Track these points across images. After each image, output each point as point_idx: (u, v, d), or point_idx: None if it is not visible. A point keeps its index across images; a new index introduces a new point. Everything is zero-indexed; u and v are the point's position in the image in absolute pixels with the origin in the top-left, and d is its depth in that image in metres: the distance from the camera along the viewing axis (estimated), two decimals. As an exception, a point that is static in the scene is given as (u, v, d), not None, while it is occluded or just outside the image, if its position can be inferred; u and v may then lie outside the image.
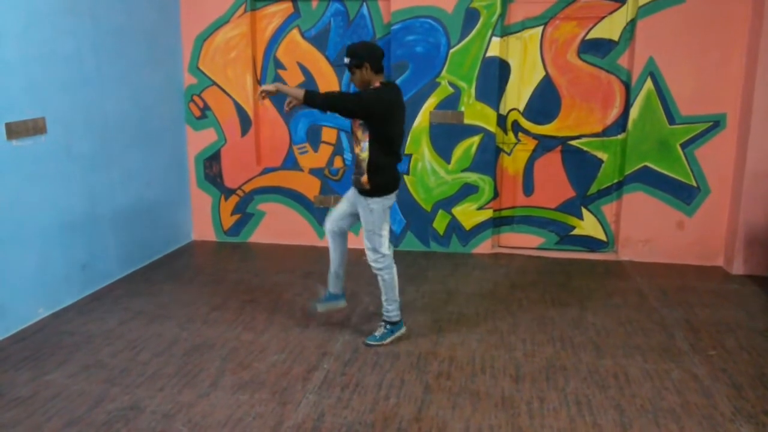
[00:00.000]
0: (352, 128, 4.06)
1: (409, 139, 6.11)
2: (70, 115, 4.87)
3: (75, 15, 4.89)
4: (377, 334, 4.25)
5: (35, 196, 4.56)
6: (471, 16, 5.87)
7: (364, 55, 3.89)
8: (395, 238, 6.33)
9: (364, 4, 6.17)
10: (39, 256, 4.62)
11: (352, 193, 4.17)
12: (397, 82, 5.84)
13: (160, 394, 3.58)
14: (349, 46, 3.95)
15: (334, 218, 4.26)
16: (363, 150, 3.96)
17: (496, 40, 5.87)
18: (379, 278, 4.18)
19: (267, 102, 6.49)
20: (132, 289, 5.25)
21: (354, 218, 4.22)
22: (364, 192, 4.01)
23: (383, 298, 4.21)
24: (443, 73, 5.99)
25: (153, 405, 3.46)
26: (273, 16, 6.36)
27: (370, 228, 4.07)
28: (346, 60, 3.92)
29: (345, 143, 6.44)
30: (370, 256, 4.11)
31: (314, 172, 6.46)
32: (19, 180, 4.40)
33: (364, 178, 3.97)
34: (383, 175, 3.98)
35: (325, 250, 6.32)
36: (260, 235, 6.68)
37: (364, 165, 3.96)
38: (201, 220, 6.76)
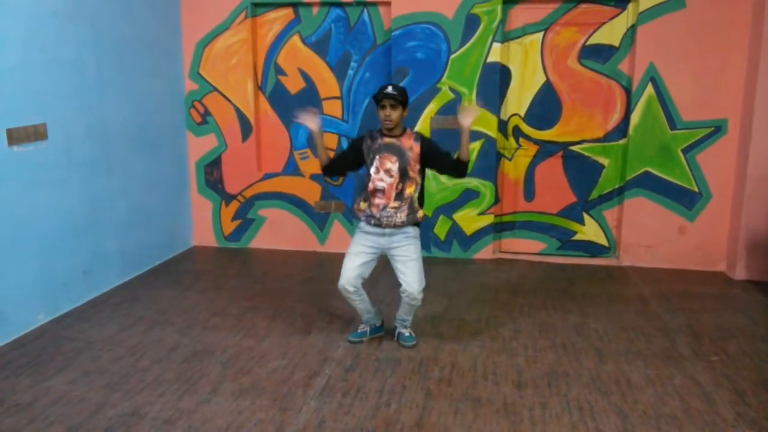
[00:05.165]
0: (405, 173, 3.97)
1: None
2: (71, 121, 4.88)
3: (76, 21, 4.90)
4: (408, 333, 4.33)
5: (36, 202, 4.55)
6: (472, 22, 5.88)
7: (407, 100, 3.99)
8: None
9: (365, 10, 6.18)
10: (39, 262, 4.61)
11: (373, 242, 4.06)
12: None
13: (160, 400, 3.56)
14: (399, 86, 3.97)
15: (353, 278, 4.05)
16: (417, 190, 4.05)
17: (496, 45, 5.87)
18: (413, 308, 4.17)
19: (268, 108, 6.50)
20: (132, 295, 5.24)
21: (371, 265, 4.14)
22: (416, 225, 4.10)
23: (410, 318, 4.30)
24: (444, 78, 6.00)
25: (153, 411, 3.44)
26: (274, 22, 6.37)
27: (419, 257, 4.08)
28: (396, 93, 3.87)
29: (345, 147, 6.42)
30: (417, 288, 4.02)
31: (315, 177, 6.46)
32: (19, 186, 4.40)
33: (421, 213, 4.09)
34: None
35: (326, 256, 6.36)
36: (261, 240, 6.68)
37: (417, 202, 4.07)
38: (202, 226, 6.75)
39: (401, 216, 4.00)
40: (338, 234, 6.46)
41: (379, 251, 4.11)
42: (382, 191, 3.98)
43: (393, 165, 3.96)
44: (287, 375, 3.87)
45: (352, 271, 4.06)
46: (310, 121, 4.15)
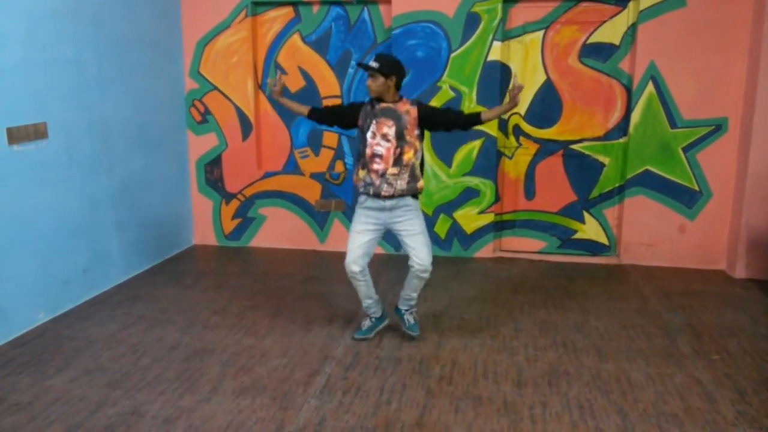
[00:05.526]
0: (402, 137, 3.97)
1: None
2: (71, 120, 4.88)
3: (77, 20, 4.90)
4: (414, 320, 4.35)
5: (36, 201, 4.55)
6: (472, 21, 5.87)
7: (396, 69, 3.98)
8: (398, 243, 6.32)
9: (365, 8, 6.18)
10: (40, 261, 4.61)
11: (375, 218, 4.07)
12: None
13: (161, 398, 3.57)
14: (380, 54, 3.99)
15: (359, 257, 4.08)
16: (417, 157, 4.04)
17: (497, 44, 5.87)
18: (422, 281, 4.18)
19: (268, 107, 6.50)
20: (133, 294, 5.25)
21: (375, 242, 4.16)
22: (416, 195, 4.09)
23: (416, 294, 4.30)
24: (444, 77, 5.99)
25: (154, 410, 3.45)
26: (274, 20, 6.37)
27: (423, 229, 4.09)
28: (374, 64, 3.90)
29: (346, 147, 6.44)
30: (427, 260, 4.05)
31: (315, 176, 6.46)
32: (20, 185, 4.40)
33: (421, 182, 4.08)
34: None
35: (327, 254, 6.35)
36: (261, 239, 6.68)
37: (419, 169, 4.06)
38: (202, 225, 6.75)
39: (401, 183, 3.99)
40: (338, 233, 6.46)
41: (382, 227, 4.11)
42: (380, 156, 3.98)
43: (389, 129, 3.97)
44: (288, 373, 3.87)
45: (357, 250, 4.08)
46: (275, 90, 4.22)
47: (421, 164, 4.11)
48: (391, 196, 4.00)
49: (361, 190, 4.10)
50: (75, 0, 4.87)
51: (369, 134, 4.01)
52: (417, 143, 4.04)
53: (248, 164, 6.53)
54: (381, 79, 3.94)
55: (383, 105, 4.01)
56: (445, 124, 4.12)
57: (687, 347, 4.25)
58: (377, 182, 4.00)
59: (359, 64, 4.08)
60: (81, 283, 5.05)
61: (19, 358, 4.07)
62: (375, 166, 3.99)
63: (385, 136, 3.98)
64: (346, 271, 4.14)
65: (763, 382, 3.77)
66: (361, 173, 4.08)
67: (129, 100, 5.59)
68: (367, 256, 4.12)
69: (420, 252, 4.05)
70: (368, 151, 4.01)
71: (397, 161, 3.99)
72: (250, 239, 6.70)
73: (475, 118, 4.07)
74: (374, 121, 4.00)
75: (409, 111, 4.00)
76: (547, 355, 4.13)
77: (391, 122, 3.97)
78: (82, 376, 3.82)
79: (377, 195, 4.01)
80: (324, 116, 4.25)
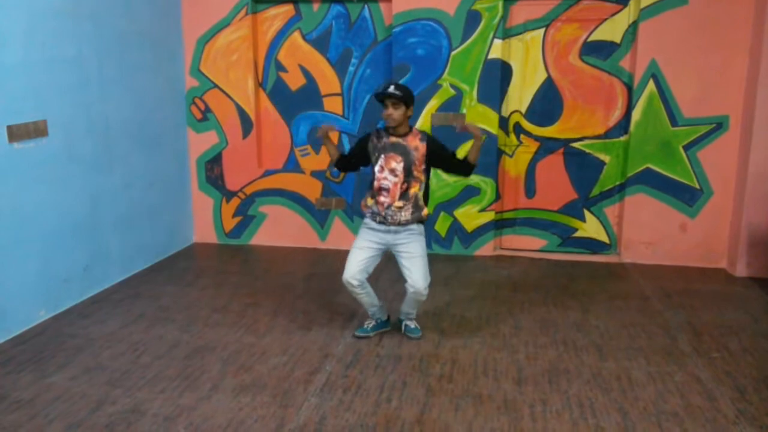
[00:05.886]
0: (410, 173, 3.97)
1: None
2: (71, 118, 4.87)
3: (76, 18, 4.89)
4: (414, 326, 4.38)
5: (36, 199, 4.55)
6: (473, 19, 5.86)
7: (412, 99, 3.99)
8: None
9: (366, 6, 6.17)
10: (40, 259, 4.61)
11: (379, 238, 4.08)
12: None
13: (161, 396, 3.57)
14: (397, 83, 3.95)
15: (357, 272, 4.07)
16: (422, 188, 4.07)
17: (497, 42, 5.86)
18: (418, 303, 4.22)
19: (269, 105, 6.50)
20: (133, 292, 5.25)
21: (376, 260, 4.16)
22: (420, 222, 4.11)
23: (414, 311, 4.33)
24: (445, 75, 5.99)
25: (154, 408, 3.45)
26: (274, 18, 6.36)
27: (423, 254, 4.10)
28: (397, 92, 3.86)
29: (347, 146, 6.43)
30: (422, 285, 4.05)
31: (316, 174, 6.46)
32: (20, 182, 4.40)
33: (425, 210, 4.11)
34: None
35: (327, 252, 6.36)
36: (262, 237, 6.68)
37: (422, 199, 4.09)
38: (202, 223, 6.75)
39: (406, 215, 4.02)
40: (339, 231, 6.46)
41: (384, 247, 4.12)
42: (387, 190, 3.99)
43: (398, 165, 3.97)
44: (288, 371, 3.87)
45: (356, 266, 4.07)
46: (327, 136, 4.22)
47: (426, 193, 4.13)
48: (396, 225, 4.04)
49: (368, 216, 4.14)
50: (75, -2, 4.87)
51: (377, 168, 4.03)
52: (423, 177, 4.06)
53: (249, 162, 6.53)
54: (402, 109, 3.92)
55: (393, 139, 4.00)
56: (448, 168, 4.20)
57: (687, 345, 4.25)
58: (383, 213, 4.03)
59: (380, 94, 3.90)
60: (81, 280, 5.05)
61: (20, 356, 4.07)
62: (381, 199, 4.02)
63: (392, 171, 3.99)
64: (344, 285, 4.14)
65: (764, 380, 3.77)
66: (369, 201, 4.12)
67: (129, 97, 5.59)
68: (365, 272, 4.12)
69: (415, 275, 4.04)
70: (376, 184, 4.04)
71: (403, 195, 4.01)
72: (251, 237, 6.70)
73: (470, 165, 4.11)
74: (383, 156, 4.00)
75: (418, 147, 3.99)
76: (547, 353, 4.13)
77: (399, 158, 3.97)
78: (82, 374, 3.82)
79: (383, 223, 4.06)
80: (347, 165, 4.30)
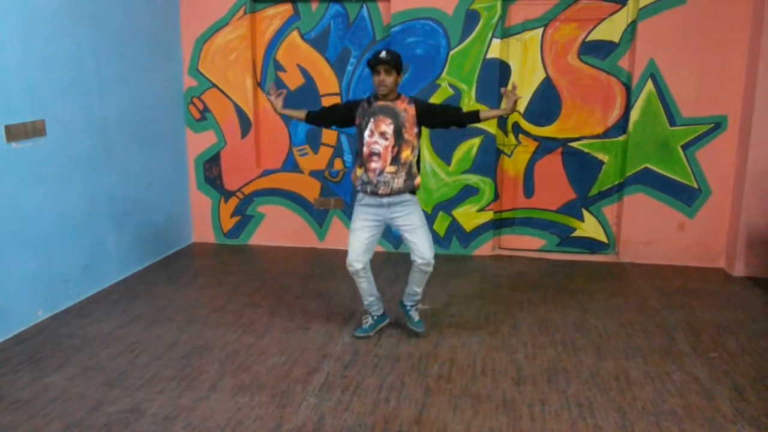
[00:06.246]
0: (400, 135, 3.96)
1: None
2: (69, 118, 4.87)
3: (75, 17, 4.89)
4: (418, 318, 4.37)
5: (35, 199, 4.55)
6: (471, 18, 5.86)
7: (401, 65, 3.99)
8: (396, 241, 6.32)
9: (364, 6, 6.17)
10: (38, 259, 4.61)
11: (375, 214, 4.07)
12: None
13: (159, 396, 3.56)
14: (392, 51, 3.95)
15: (360, 254, 4.07)
16: (415, 154, 4.04)
17: (496, 41, 5.86)
18: (425, 275, 4.18)
19: (267, 104, 6.49)
20: (132, 292, 5.24)
21: (377, 238, 4.16)
22: (413, 191, 4.09)
23: (420, 289, 4.28)
24: (443, 74, 5.99)
25: (153, 408, 3.44)
26: (273, 18, 6.35)
27: (423, 223, 4.10)
28: (390, 58, 3.87)
29: (345, 145, 6.43)
30: (429, 254, 4.05)
31: (314, 174, 6.45)
32: (18, 182, 4.39)
33: (418, 179, 4.08)
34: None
35: (325, 253, 6.35)
36: (260, 237, 6.67)
37: (416, 167, 4.07)
38: (201, 223, 6.75)
39: (398, 182, 3.99)
40: (337, 231, 6.46)
41: (382, 223, 4.11)
42: (378, 154, 3.97)
43: (388, 127, 3.96)
44: (286, 371, 3.87)
45: (359, 247, 4.07)
46: (275, 101, 4.23)
47: (418, 161, 4.11)
48: (389, 194, 4.00)
49: (359, 188, 4.10)
50: (73, -3, 4.87)
51: (367, 132, 4.00)
52: (415, 141, 4.03)
53: (247, 162, 6.53)
54: (394, 75, 3.93)
55: (381, 103, 3.99)
56: (443, 120, 4.12)
57: (685, 345, 4.25)
58: (374, 180, 3.99)
59: (372, 61, 3.91)
60: (80, 280, 5.04)
61: (18, 355, 4.07)
62: (372, 165, 3.98)
63: (383, 134, 3.97)
64: (348, 268, 4.13)
65: (762, 379, 3.77)
66: (359, 172, 4.08)
67: (127, 97, 5.58)
68: (368, 253, 4.12)
69: (421, 246, 4.05)
70: (366, 149, 4.00)
71: (395, 159, 3.98)
72: (249, 237, 6.70)
73: (474, 116, 4.07)
74: (372, 119, 3.98)
75: (407, 109, 3.99)
76: (546, 352, 4.13)
77: (389, 120, 3.96)
78: (80, 374, 3.82)
79: (375, 193, 4.01)
80: (321, 117, 4.25)
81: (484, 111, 4.09)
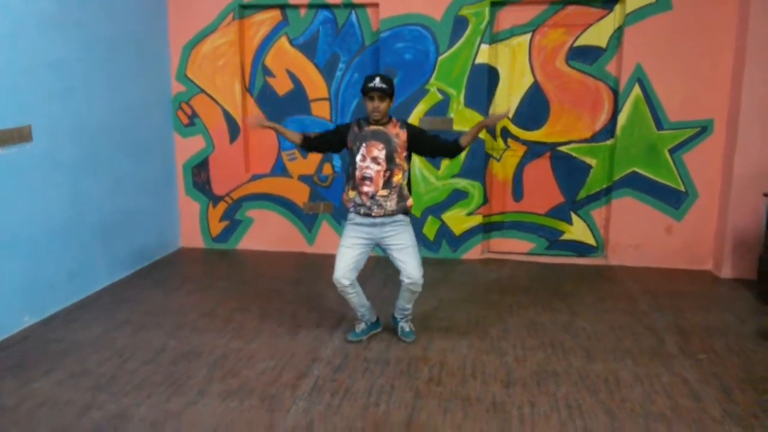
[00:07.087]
0: (392, 160, 3.98)
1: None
2: (56, 123, 4.84)
3: (62, 23, 4.87)
4: (409, 329, 4.39)
5: (21, 204, 4.51)
6: (459, 24, 5.89)
7: (393, 90, 4.04)
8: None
9: (353, 11, 6.18)
10: (25, 264, 4.57)
11: (366, 233, 4.07)
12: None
13: (147, 402, 3.54)
14: (386, 77, 3.97)
15: (348, 271, 4.06)
16: (405, 177, 4.08)
17: (484, 47, 5.89)
18: (414, 294, 4.20)
19: (255, 109, 6.48)
20: (119, 297, 5.21)
21: (365, 256, 4.15)
22: (407, 212, 4.12)
23: (410, 306, 4.31)
24: (432, 80, 6.00)
25: (141, 413, 3.42)
26: (261, 23, 6.35)
27: (414, 243, 4.11)
28: (385, 86, 3.90)
29: (337, 158, 6.42)
30: (417, 274, 4.07)
31: (303, 178, 6.45)
32: (4, 188, 4.36)
33: (410, 200, 4.12)
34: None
35: (314, 257, 6.34)
36: (249, 241, 6.65)
37: (407, 189, 4.11)
38: (189, 227, 6.72)
39: (391, 204, 4.02)
40: (327, 235, 6.45)
41: (372, 242, 4.12)
42: (370, 179, 3.99)
43: (380, 152, 3.97)
44: (275, 376, 3.85)
45: (346, 265, 4.06)
46: (258, 125, 4.34)
47: (408, 183, 4.15)
48: (382, 216, 4.04)
49: (352, 209, 4.12)
50: (60, 3, 4.84)
51: (359, 157, 4.02)
52: (405, 165, 4.07)
53: (235, 167, 6.51)
54: (387, 101, 3.97)
55: (373, 127, 4.02)
56: (432, 150, 4.19)
57: (674, 347, 4.27)
58: (368, 203, 4.02)
59: (366, 87, 3.93)
60: (66, 286, 5.00)
61: (4, 361, 4.02)
62: (365, 189, 4.01)
63: (375, 159, 3.99)
64: (335, 284, 4.12)
65: (749, 381, 3.79)
66: (351, 194, 4.10)
67: (115, 103, 5.55)
68: (355, 270, 4.12)
69: (409, 266, 4.06)
70: (358, 173, 4.02)
71: (387, 183, 4.01)
72: (238, 242, 6.67)
73: (457, 147, 4.11)
74: (364, 144, 4.01)
75: (399, 134, 4.02)
76: (535, 355, 4.14)
77: (381, 145, 3.98)
78: (67, 380, 3.78)
79: (368, 215, 4.05)
80: (315, 145, 4.27)
81: (462, 138, 4.11)
